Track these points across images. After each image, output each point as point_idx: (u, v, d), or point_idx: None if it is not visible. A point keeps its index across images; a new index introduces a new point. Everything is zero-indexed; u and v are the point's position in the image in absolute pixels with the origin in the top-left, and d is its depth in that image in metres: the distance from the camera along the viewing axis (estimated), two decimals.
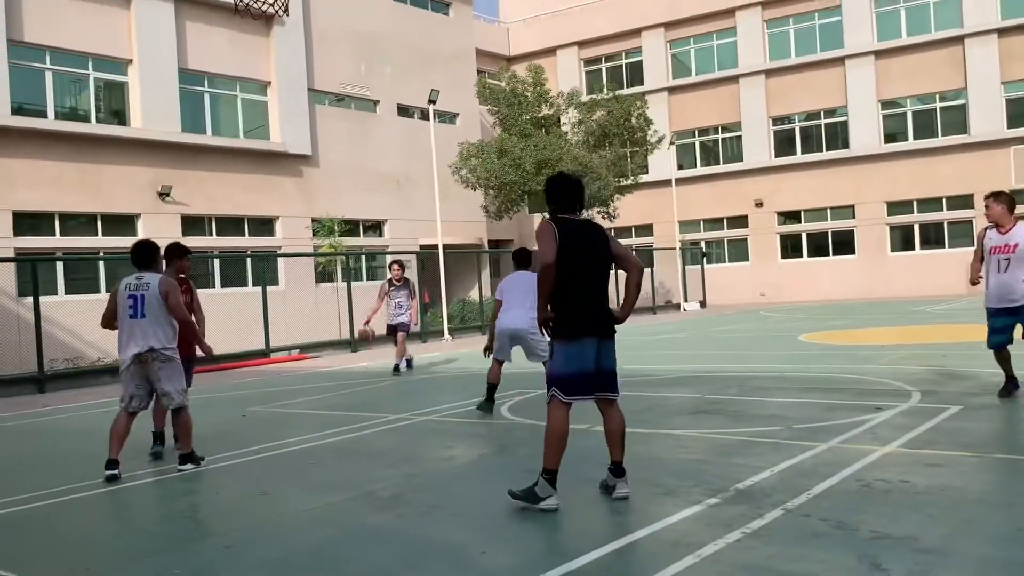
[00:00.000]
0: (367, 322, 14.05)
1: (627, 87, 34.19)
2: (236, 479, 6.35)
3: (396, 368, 13.42)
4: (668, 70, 34.99)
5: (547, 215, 5.19)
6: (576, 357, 4.89)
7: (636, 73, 35.64)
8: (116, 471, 6.29)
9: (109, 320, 6.61)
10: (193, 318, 7.21)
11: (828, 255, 32.04)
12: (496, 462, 6.58)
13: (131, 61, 21.33)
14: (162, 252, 7.00)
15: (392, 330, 13.43)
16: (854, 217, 31.39)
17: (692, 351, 15.00)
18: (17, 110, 19.42)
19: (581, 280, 4.93)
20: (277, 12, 6.57)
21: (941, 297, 27.16)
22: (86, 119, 20.89)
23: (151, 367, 6.39)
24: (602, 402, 5.05)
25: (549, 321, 4.96)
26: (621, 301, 5.25)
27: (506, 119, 27.12)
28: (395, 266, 13.34)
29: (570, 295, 4.91)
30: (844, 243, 31.75)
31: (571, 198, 5.09)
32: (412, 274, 23.49)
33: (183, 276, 7.41)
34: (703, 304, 31.22)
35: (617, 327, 5.10)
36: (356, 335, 17.07)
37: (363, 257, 25.75)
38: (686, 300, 30.69)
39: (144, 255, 6.59)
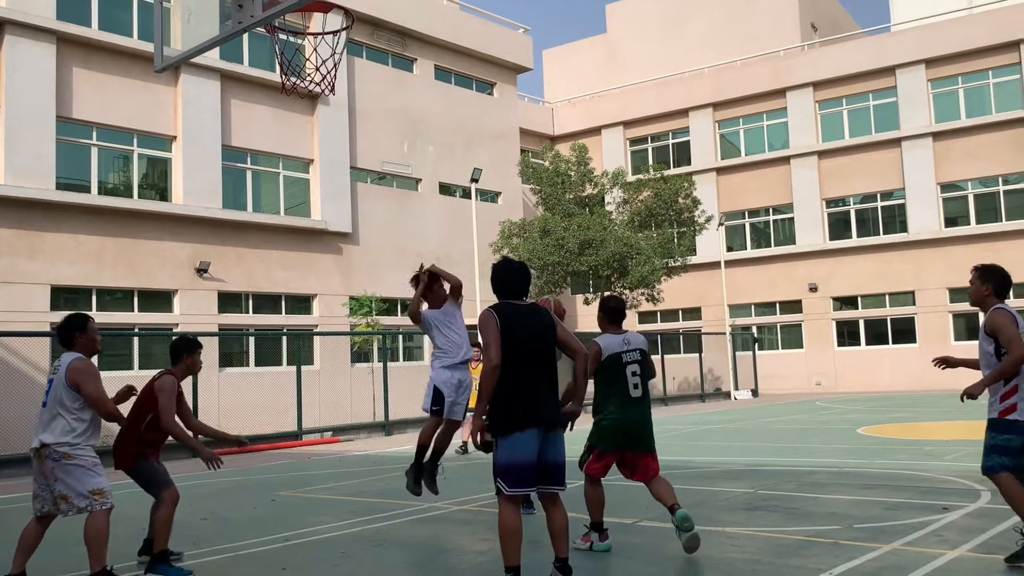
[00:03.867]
0: None
1: (673, 167, 33.76)
2: (263, 568, 6.09)
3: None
4: (716, 150, 34.46)
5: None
6: (516, 447, 4.67)
7: (683, 153, 35.19)
8: None
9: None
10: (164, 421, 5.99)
11: (887, 343, 30.57)
12: (532, 558, 5.67)
13: (175, 138, 21.45)
14: (176, 346, 6.22)
15: None
16: (914, 304, 30.01)
17: (744, 442, 14.08)
18: (61, 185, 19.50)
19: (523, 368, 4.77)
20: (324, 91, 6.51)
21: None
22: (128, 195, 20.93)
23: (44, 466, 5.29)
24: (544, 496, 4.85)
25: (483, 430, 4.81)
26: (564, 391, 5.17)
27: (549, 198, 26.75)
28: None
29: (511, 384, 4.74)
30: (904, 331, 30.28)
31: (515, 285, 4.99)
32: None
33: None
34: (755, 393, 29.84)
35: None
36: None
37: (400, 337, 25.17)
38: (737, 388, 29.36)
39: (63, 331, 5.50)
